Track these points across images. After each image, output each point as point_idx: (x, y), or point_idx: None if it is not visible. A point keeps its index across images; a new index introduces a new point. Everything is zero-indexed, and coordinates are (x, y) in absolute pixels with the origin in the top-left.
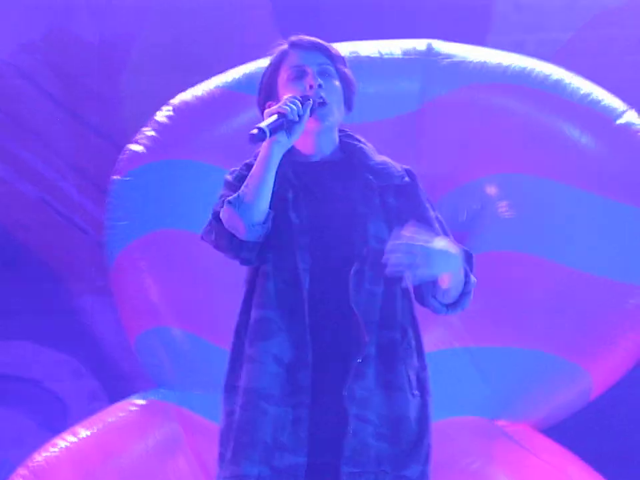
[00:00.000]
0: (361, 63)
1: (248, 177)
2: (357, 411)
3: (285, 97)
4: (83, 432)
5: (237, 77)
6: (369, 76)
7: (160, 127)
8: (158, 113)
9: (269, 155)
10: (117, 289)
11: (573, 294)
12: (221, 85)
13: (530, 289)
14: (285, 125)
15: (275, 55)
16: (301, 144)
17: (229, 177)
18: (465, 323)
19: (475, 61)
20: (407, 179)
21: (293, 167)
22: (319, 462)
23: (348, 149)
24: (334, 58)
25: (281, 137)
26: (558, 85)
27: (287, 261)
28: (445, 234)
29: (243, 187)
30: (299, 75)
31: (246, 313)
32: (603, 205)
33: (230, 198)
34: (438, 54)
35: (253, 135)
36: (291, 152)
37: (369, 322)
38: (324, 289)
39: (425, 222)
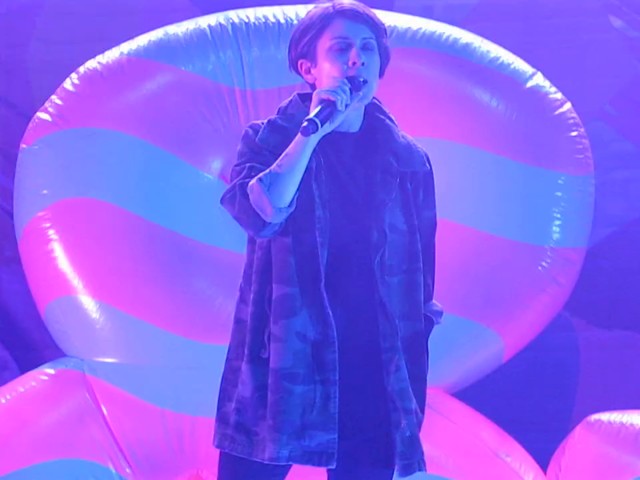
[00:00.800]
0: (269, 27)
1: (283, 155)
2: (402, 403)
3: (333, 70)
4: None
5: (144, 44)
6: (277, 41)
7: (67, 95)
8: (65, 81)
9: (308, 141)
10: (25, 258)
11: (482, 257)
12: (127, 53)
13: (440, 253)
14: (333, 114)
15: (318, 15)
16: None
17: (251, 133)
18: None
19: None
20: (427, 166)
21: (328, 140)
22: (351, 437)
23: (374, 123)
24: (378, 30)
25: (326, 125)
26: (467, 49)
27: (307, 234)
28: (433, 237)
29: (275, 166)
30: (343, 47)
31: (265, 284)
32: (513, 167)
33: (261, 175)
34: None
35: (305, 127)
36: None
37: (394, 315)
38: (342, 270)
39: (422, 219)
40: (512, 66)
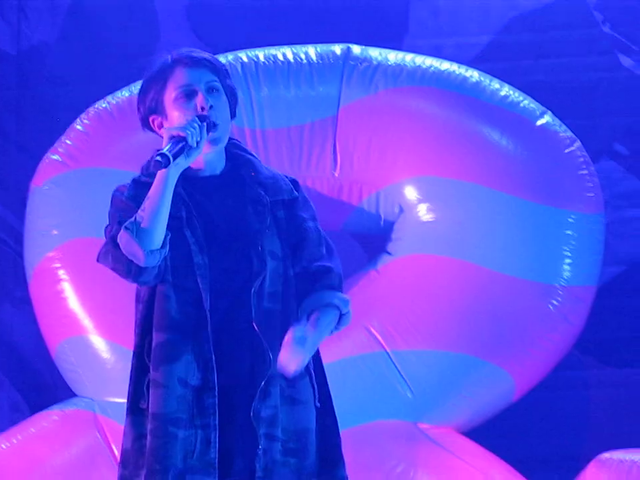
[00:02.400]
0: (279, 67)
1: (145, 200)
2: (265, 430)
3: (183, 118)
4: (5, 443)
5: None
6: (287, 81)
7: (77, 136)
8: (75, 122)
9: (166, 178)
10: (35, 298)
11: (493, 296)
12: (137, 93)
13: (451, 292)
14: (184, 148)
15: (158, 68)
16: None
17: (118, 195)
18: (387, 326)
19: (392, 64)
20: (295, 192)
21: (183, 184)
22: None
23: (235, 161)
24: (220, 72)
25: (181, 160)
26: (476, 88)
27: (187, 281)
28: (321, 246)
29: (140, 211)
30: (188, 95)
31: (144, 334)
32: (523, 206)
33: (127, 223)
34: (356, 58)
35: (157, 161)
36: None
37: (272, 339)
38: (225, 308)
39: (301, 233)
40: (522, 104)
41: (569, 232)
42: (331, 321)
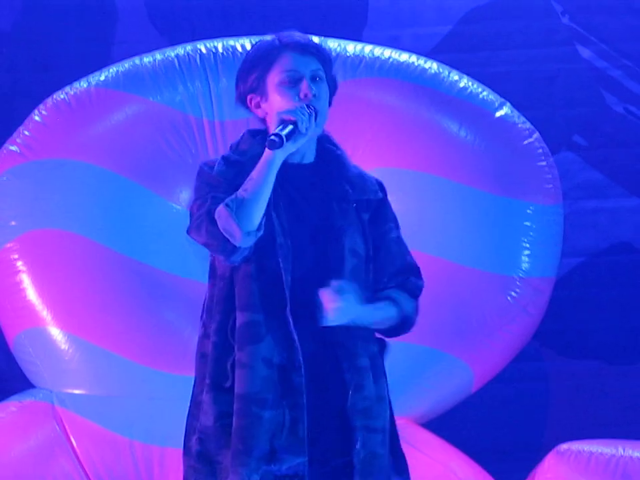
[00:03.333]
0: (237, 58)
1: (247, 180)
2: (363, 422)
3: (284, 102)
4: None
5: (112, 74)
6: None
7: (35, 127)
8: (33, 112)
9: (272, 161)
10: None
11: (452, 288)
12: (95, 84)
13: None
14: (295, 133)
15: (265, 49)
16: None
17: (207, 170)
18: None
19: (351, 55)
20: (380, 194)
21: (285, 170)
22: (321, 462)
23: (326, 154)
24: (325, 61)
25: (289, 144)
26: (435, 79)
27: (269, 261)
28: (403, 255)
29: (241, 190)
30: (294, 80)
31: (229, 313)
32: (482, 198)
33: (228, 200)
34: None
35: (272, 141)
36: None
37: (354, 335)
38: (304, 291)
39: (386, 242)
40: (480, 96)
41: (527, 223)
42: (386, 314)
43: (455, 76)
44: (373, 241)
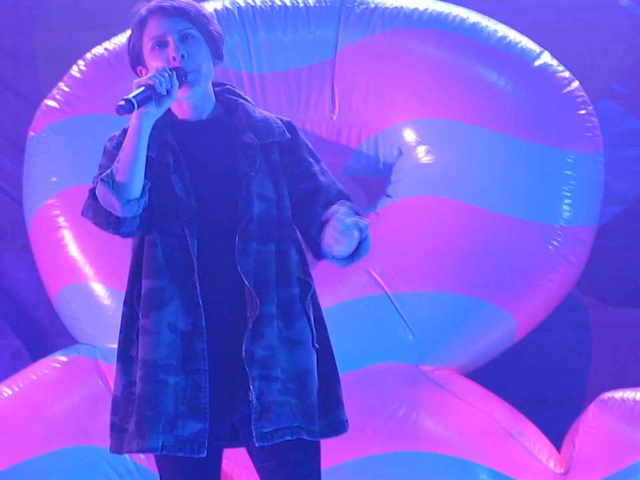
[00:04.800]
0: (276, 11)
1: (120, 149)
2: (260, 371)
3: (155, 67)
4: (7, 390)
5: None
6: (284, 25)
7: (75, 83)
8: (72, 68)
9: (138, 127)
10: (35, 246)
11: (493, 237)
12: None
13: (451, 234)
14: (153, 96)
15: (135, 20)
16: (177, 107)
17: (108, 145)
18: (387, 269)
19: (390, 6)
20: (287, 134)
21: (172, 130)
22: (222, 426)
23: (228, 106)
24: (195, 19)
25: (150, 107)
26: (474, 29)
27: (173, 227)
28: (334, 184)
29: (115, 163)
30: (161, 45)
31: (135, 282)
32: (522, 147)
33: (103, 175)
34: (353, 1)
35: (120, 106)
36: (168, 115)
37: (264, 281)
38: (213, 253)
39: (310, 177)
40: (519, 45)
41: (568, 172)
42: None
43: (493, 25)
44: (293, 179)
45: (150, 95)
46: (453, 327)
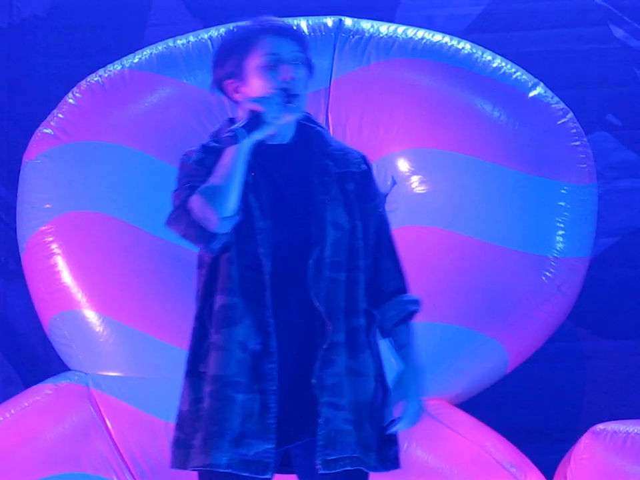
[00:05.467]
0: None
1: (217, 166)
2: (328, 398)
3: (264, 88)
4: None
5: (146, 57)
6: None
7: (70, 109)
8: (67, 95)
9: (239, 150)
10: (28, 272)
11: (487, 268)
12: (129, 66)
13: (445, 264)
14: (259, 125)
15: (242, 33)
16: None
17: (186, 159)
18: None
19: (385, 36)
20: (364, 165)
21: (253, 150)
22: (288, 448)
23: (306, 133)
24: (304, 44)
25: (257, 134)
26: (468, 59)
27: (248, 246)
28: (385, 234)
29: (212, 177)
30: (274, 64)
31: (207, 298)
32: (516, 178)
33: (201, 188)
34: (348, 30)
35: (230, 137)
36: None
37: (334, 309)
38: (286, 275)
39: (373, 218)
40: (514, 76)
41: (561, 203)
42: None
43: (488, 56)
44: (362, 213)
45: (257, 124)
46: (445, 357)
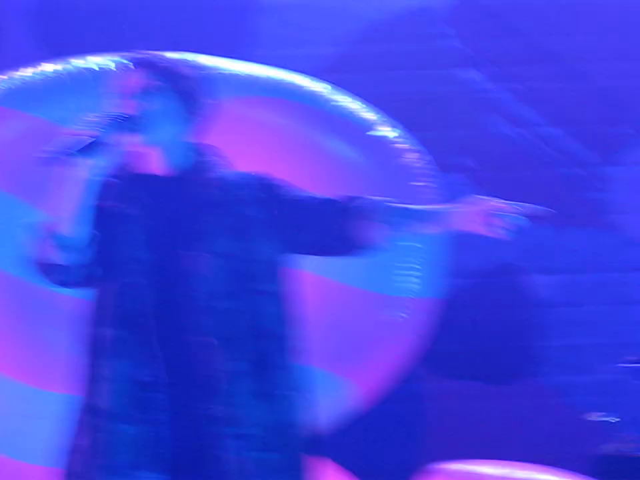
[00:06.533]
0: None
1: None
2: (228, 429)
3: (104, 114)
4: None
5: None
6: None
7: None
8: None
9: (70, 175)
10: None
11: (337, 307)
12: None
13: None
14: (97, 145)
15: (115, 65)
16: (146, 159)
17: None
18: None
19: (229, 73)
20: (260, 190)
21: (138, 182)
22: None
23: (198, 163)
24: (165, 76)
25: (96, 158)
26: (315, 98)
27: (128, 277)
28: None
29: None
30: (125, 96)
31: (93, 331)
32: None
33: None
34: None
35: (44, 158)
36: (136, 166)
37: (231, 339)
38: (171, 307)
39: (300, 198)
40: (360, 114)
41: (416, 245)
42: None
43: (335, 95)
44: (291, 214)
45: (92, 144)
46: None
